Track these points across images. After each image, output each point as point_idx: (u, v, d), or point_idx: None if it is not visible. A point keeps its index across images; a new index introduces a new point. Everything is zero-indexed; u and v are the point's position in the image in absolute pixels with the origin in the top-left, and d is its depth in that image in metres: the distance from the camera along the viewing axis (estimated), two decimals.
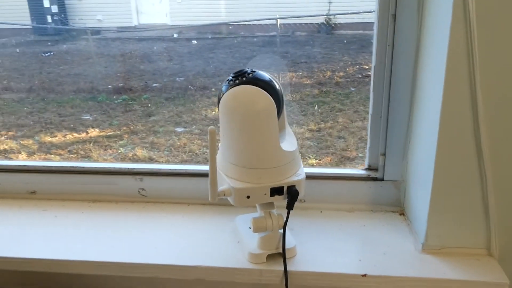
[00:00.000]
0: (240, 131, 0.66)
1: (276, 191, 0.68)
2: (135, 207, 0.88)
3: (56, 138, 3.11)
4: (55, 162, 0.89)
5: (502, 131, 0.65)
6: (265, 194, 0.68)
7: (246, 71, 0.69)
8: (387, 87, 0.78)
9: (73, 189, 0.90)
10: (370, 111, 0.81)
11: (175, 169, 0.87)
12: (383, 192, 0.84)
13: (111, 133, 3.19)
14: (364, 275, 0.68)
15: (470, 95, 0.64)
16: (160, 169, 0.87)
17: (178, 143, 3.02)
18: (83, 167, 0.89)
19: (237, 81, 0.67)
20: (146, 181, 0.88)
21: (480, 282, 0.67)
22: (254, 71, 0.69)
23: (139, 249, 0.75)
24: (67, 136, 3.15)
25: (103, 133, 3.18)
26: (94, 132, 3.18)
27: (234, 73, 0.69)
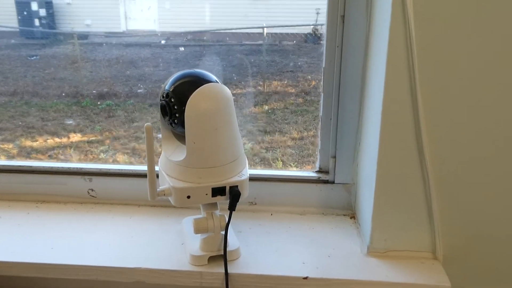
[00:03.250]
0: (206, 129, 0.64)
1: (218, 191, 0.67)
2: (84, 208, 0.86)
3: (37, 142, 3.07)
4: (2, 161, 0.87)
5: (443, 131, 0.65)
6: (206, 194, 0.67)
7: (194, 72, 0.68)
8: (336, 89, 0.78)
9: (20, 189, 0.88)
10: (321, 113, 0.80)
11: (126, 170, 0.85)
12: (334, 195, 0.83)
13: (93, 138, 3.16)
14: (306, 278, 0.67)
15: (410, 95, 0.63)
16: (109, 169, 0.86)
17: (160, 149, 3.00)
18: (31, 166, 0.87)
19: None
20: (96, 182, 0.87)
21: (422, 285, 0.66)
22: (200, 71, 0.68)
23: (81, 251, 0.73)
24: (48, 140, 3.12)
25: (84, 138, 3.15)
26: (76, 137, 3.15)
27: (182, 75, 0.68)
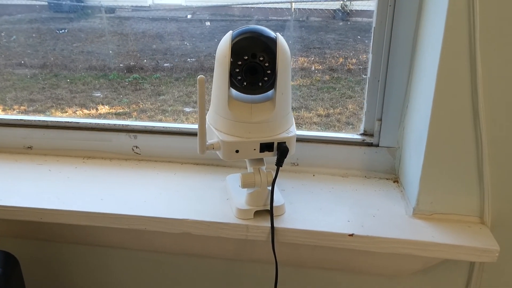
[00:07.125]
0: None
1: (266, 147, 0.68)
2: (128, 164, 0.88)
3: (67, 113, 3.13)
4: (52, 117, 0.90)
5: (500, 96, 0.63)
6: (254, 149, 0.67)
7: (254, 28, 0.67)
8: (386, 50, 0.76)
9: (68, 145, 0.91)
10: (368, 74, 0.79)
11: (170, 127, 0.86)
12: (378, 158, 0.83)
13: (120, 110, 3.20)
14: (351, 235, 0.68)
15: (469, 58, 0.62)
16: (154, 127, 0.87)
17: (186, 123, 3.02)
18: (78, 122, 0.89)
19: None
20: (140, 139, 0.88)
21: (470, 248, 0.66)
22: (254, 26, 0.67)
23: (128, 202, 0.75)
24: (77, 112, 3.17)
25: (112, 110, 3.20)
26: (103, 109, 3.19)
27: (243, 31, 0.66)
